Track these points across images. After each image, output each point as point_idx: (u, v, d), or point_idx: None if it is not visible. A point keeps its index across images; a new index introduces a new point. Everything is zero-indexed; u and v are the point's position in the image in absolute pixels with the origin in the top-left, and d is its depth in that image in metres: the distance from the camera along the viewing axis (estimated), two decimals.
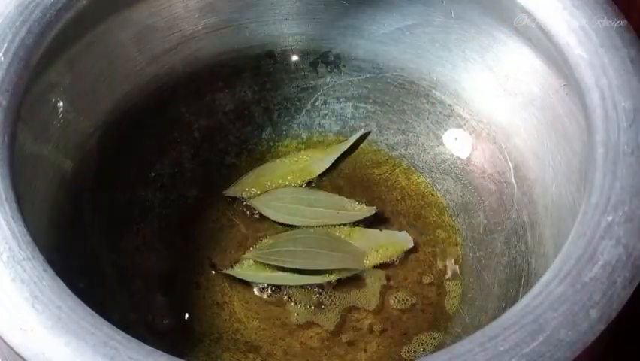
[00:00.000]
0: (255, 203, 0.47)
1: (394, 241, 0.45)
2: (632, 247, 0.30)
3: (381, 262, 0.45)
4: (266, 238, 0.46)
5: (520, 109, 0.43)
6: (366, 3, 0.46)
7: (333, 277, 0.44)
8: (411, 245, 0.45)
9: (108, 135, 0.44)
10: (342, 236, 0.46)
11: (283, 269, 0.44)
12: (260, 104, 0.49)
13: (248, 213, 0.47)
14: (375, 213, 0.46)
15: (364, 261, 0.45)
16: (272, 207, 0.47)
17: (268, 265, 0.44)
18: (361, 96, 0.49)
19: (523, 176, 0.43)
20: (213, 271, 0.45)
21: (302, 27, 0.48)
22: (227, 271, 0.45)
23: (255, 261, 0.45)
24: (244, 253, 0.45)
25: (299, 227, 0.46)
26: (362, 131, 0.49)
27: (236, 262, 0.45)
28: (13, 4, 0.36)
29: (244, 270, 0.45)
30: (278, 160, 0.48)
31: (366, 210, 0.46)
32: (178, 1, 0.45)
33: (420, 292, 0.44)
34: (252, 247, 0.45)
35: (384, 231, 0.46)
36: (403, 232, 0.46)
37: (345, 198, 0.47)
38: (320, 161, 0.48)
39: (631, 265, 0.30)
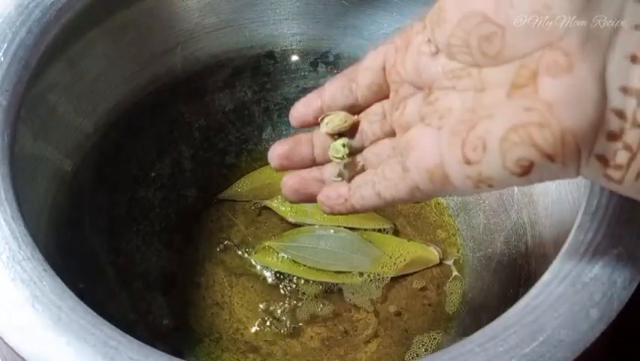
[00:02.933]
0: (270, 204, 0.47)
1: (421, 254, 0.45)
2: (632, 247, 0.30)
3: (404, 273, 0.45)
4: (287, 231, 0.46)
5: None
6: (366, 3, 0.46)
7: (354, 280, 0.44)
8: (437, 261, 0.45)
9: (108, 135, 0.44)
10: (370, 240, 0.45)
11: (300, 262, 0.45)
12: (260, 104, 0.49)
13: (248, 213, 0.47)
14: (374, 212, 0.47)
15: (386, 268, 0.45)
16: (288, 207, 0.47)
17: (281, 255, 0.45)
18: None
19: None
20: (240, 252, 0.45)
21: (302, 27, 0.48)
22: (250, 256, 0.45)
23: (274, 250, 0.45)
24: (261, 243, 0.45)
25: (317, 225, 0.46)
26: None
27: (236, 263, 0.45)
28: (13, 4, 0.36)
29: (264, 257, 0.45)
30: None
31: (381, 222, 0.46)
32: (178, 1, 0.45)
33: (420, 293, 0.44)
34: (257, 244, 0.46)
35: (412, 242, 0.46)
36: (432, 247, 0.46)
37: None
38: None
39: (631, 265, 0.30)
